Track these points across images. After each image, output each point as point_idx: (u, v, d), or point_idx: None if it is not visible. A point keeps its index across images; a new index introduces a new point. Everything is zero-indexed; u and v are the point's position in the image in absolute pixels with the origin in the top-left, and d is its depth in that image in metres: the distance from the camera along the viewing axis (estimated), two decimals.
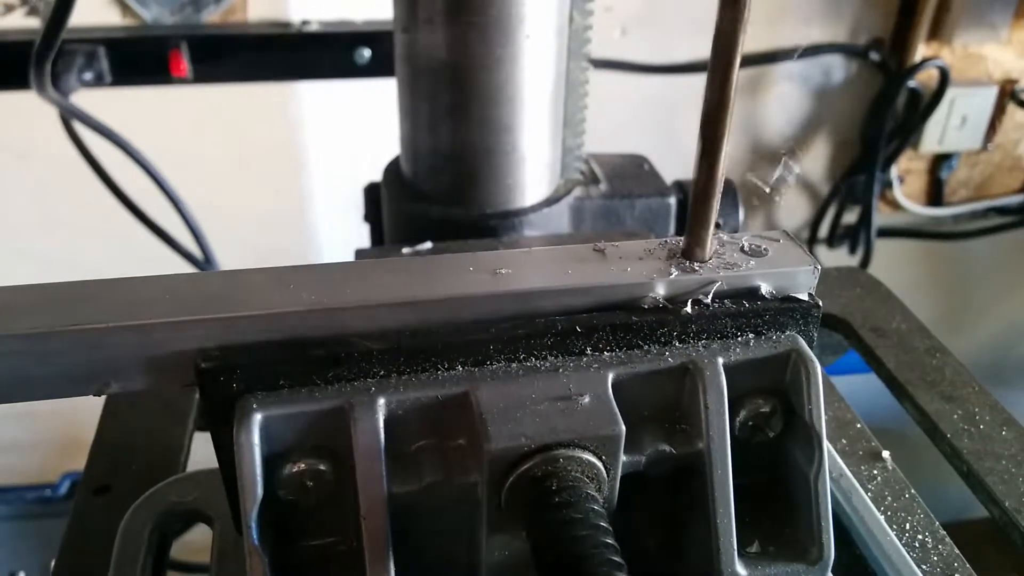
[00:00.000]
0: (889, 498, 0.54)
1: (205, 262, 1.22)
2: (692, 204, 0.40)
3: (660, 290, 0.40)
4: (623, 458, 0.39)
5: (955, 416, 0.60)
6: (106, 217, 1.17)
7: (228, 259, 1.25)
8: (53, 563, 0.50)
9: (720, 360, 0.40)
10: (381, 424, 0.36)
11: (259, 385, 0.36)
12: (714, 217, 0.40)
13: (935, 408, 0.60)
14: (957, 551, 0.51)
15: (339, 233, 1.44)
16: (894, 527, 0.52)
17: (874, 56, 1.44)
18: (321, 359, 0.36)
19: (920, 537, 0.51)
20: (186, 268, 1.21)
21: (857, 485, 0.52)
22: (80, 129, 1.08)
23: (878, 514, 0.50)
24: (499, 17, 0.66)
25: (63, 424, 1.55)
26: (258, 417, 0.35)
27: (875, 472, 0.56)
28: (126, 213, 1.14)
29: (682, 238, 0.42)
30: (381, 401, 0.37)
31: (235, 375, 0.36)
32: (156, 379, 0.36)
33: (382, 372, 0.37)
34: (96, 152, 1.11)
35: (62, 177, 1.24)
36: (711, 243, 0.41)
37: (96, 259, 1.42)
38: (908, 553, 0.49)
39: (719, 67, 0.37)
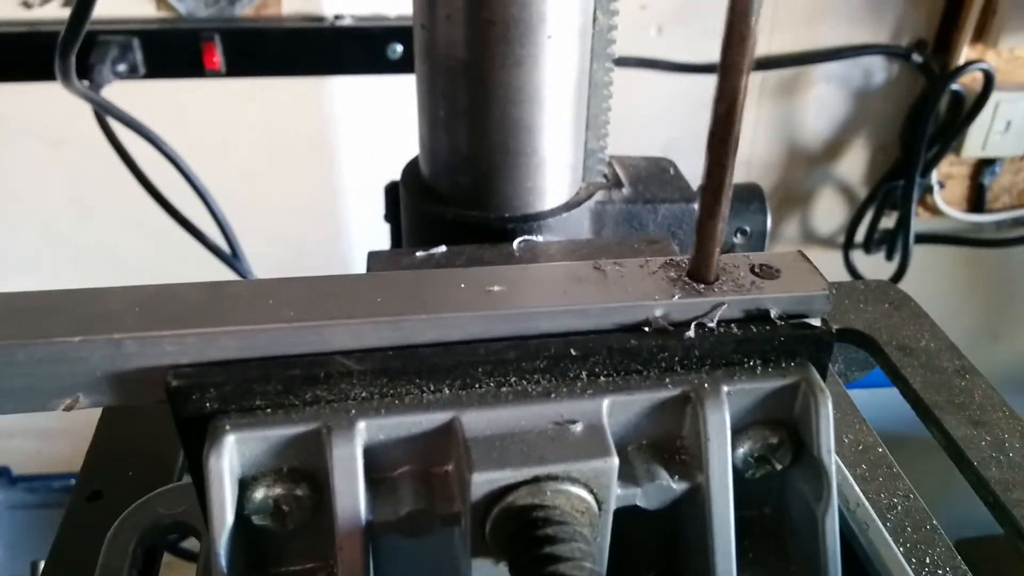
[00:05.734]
0: (909, 529, 0.51)
1: (232, 256, 1.22)
2: (698, 222, 0.38)
3: (661, 312, 0.38)
4: (617, 491, 0.37)
5: (983, 443, 0.57)
6: (139, 206, 1.17)
7: (257, 253, 1.25)
8: (41, 567, 0.49)
9: (724, 388, 0.37)
10: (360, 449, 0.35)
11: (233, 405, 0.35)
12: (721, 235, 0.38)
13: (962, 433, 0.57)
14: None
15: (370, 229, 1.43)
16: (913, 561, 0.49)
17: (916, 58, 1.40)
18: (298, 379, 0.35)
19: (940, 573, 0.49)
20: (213, 261, 1.21)
21: (874, 516, 0.49)
22: (112, 121, 1.08)
23: (895, 548, 0.48)
24: (520, 16, 0.64)
25: (89, 413, 1.55)
26: (230, 439, 0.34)
27: (895, 501, 0.53)
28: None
29: (687, 257, 0.39)
30: (361, 425, 0.35)
31: (208, 393, 0.34)
32: (127, 395, 0.35)
33: (364, 394, 0.36)
34: (128, 143, 1.11)
35: (95, 166, 1.24)
36: (717, 263, 0.39)
37: (128, 247, 1.43)
38: None
39: (730, 73, 0.34)
